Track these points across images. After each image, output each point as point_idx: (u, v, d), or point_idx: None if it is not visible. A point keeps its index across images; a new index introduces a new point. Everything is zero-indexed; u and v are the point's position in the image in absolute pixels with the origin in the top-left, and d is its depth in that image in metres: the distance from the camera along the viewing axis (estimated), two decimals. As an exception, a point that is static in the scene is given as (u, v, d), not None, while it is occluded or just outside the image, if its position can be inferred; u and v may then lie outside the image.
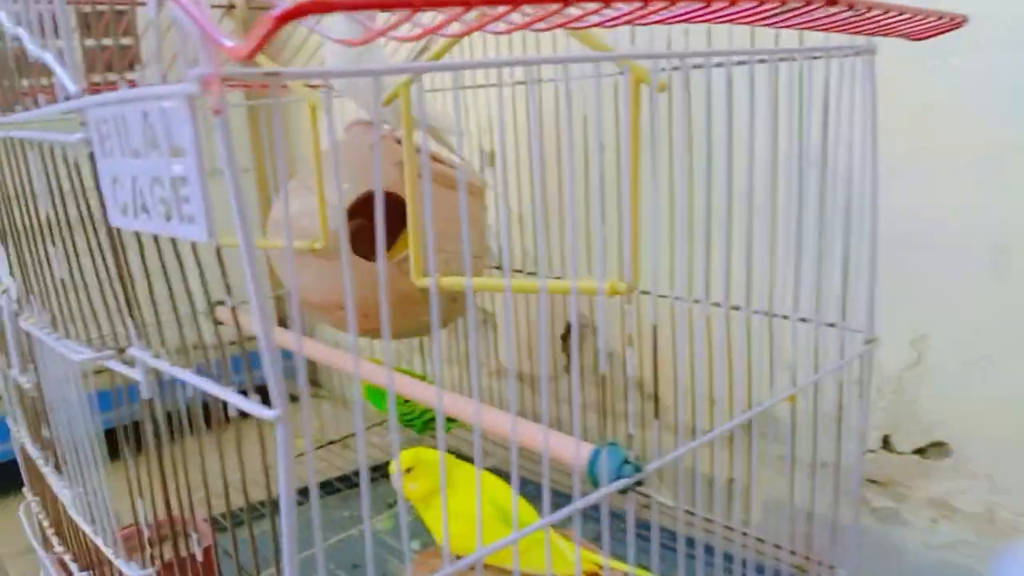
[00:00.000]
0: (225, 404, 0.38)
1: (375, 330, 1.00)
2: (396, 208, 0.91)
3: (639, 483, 0.50)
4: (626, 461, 0.50)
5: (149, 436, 0.47)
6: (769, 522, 0.75)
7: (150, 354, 0.44)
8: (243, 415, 0.40)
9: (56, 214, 0.53)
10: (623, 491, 0.50)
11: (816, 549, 0.75)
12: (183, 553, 0.55)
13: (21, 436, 0.81)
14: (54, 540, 0.77)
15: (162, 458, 0.47)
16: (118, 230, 0.43)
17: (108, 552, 0.57)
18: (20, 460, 0.87)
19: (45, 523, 0.80)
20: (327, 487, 1.14)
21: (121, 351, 0.51)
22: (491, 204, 1.09)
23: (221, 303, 0.82)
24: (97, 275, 0.48)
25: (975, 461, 0.83)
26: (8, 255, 0.66)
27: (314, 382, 1.83)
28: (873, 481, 0.90)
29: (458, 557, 0.79)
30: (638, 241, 0.52)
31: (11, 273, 0.65)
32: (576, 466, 0.49)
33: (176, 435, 0.48)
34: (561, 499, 0.48)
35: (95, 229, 0.46)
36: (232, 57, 0.33)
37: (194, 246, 0.38)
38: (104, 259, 0.46)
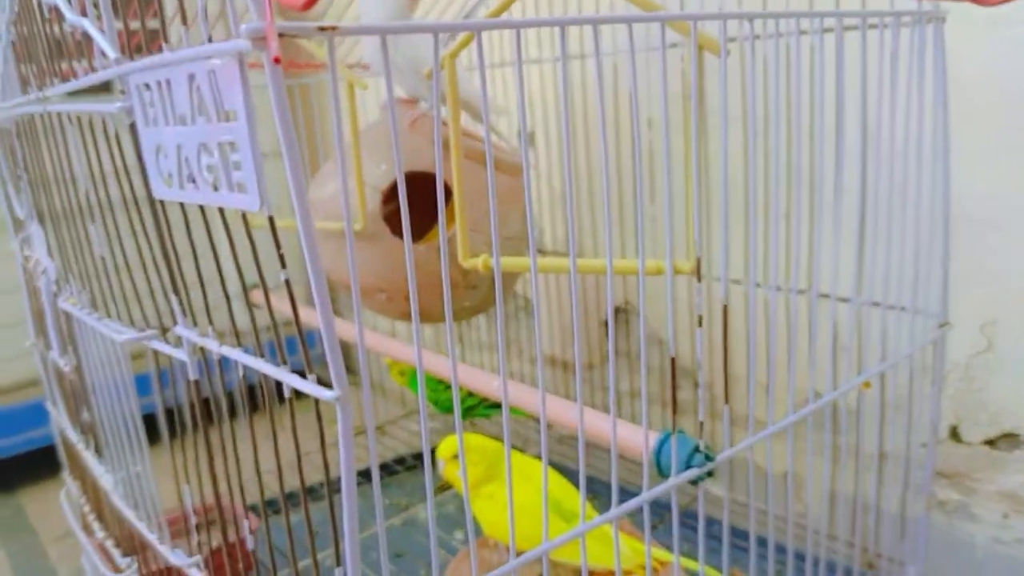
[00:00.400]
0: (279, 386, 0.35)
1: (407, 312, 0.98)
2: (431, 189, 0.89)
3: (710, 473, 0.47)
4: (696, 450, 0.47)
5: (196, 419, 0.45)
6: (831, 516, 0.71)
7: (196, 333, 0.42)
8: (279, 400, 0.38)
9: (96, 193, 0.51)
10: (694, 482, 0.47)
11: (884, 545, 0.72)
12: (231, 539, 0.53)
13: (60, 420, 0.79)
14: (95, 525, 0.76)
15: (209, 442, 0.45)
16: (162, 204, 0.40)
17: (152, 538, 0.55)
18: (59, 444, 0.85)
19: (86, 508, 0.79)
20: (367, 475, 1.12)
21: (165, 331, 0.49)
22: (533, 185, 1.06)
23: (256, 286, 0.80)
24: (140, 253, 0.46)
25: (1049, 453, 0.78)
26: (47, 236, 0.64)
27: (347, 368, 1.82)
28: (940, 473, 0.86)
29: (493, 544, 0.77)
30: (702, 219, 0.49)
31: (49, 254, 0.63)
32: (644, 455, 0.46)
33: (219, 419, 0.46)
34: (621, 492, 0.46)
35: (137, 205, 0.44)
36: (289, 9, 0.30)
37: (244, 217, 0.35)
38: (147, 236, 0.44)
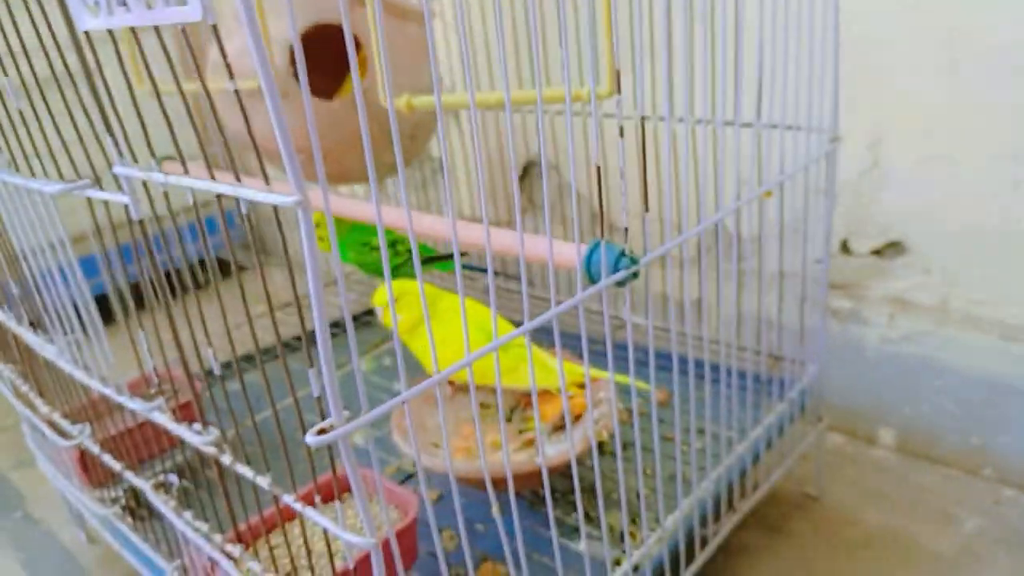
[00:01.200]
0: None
1: (337, 174, 0.98)
2: (340, 42, 0.87)
3: (635, 275, 0.51)
4: (623, 254, 0.51)
5: (147, 267, 0.46)
6: (738, 331, 0.78)
7: (138, 169, 0.42)
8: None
9: (7, 44, 0.49)
10: (621, 283, 0.51)
11: (786, 350, 0.79)
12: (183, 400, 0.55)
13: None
14: (37, 401, 0.77)
15: (168, 299, 0.46)
16: (87, 35, 0.40)
17: (110, 392, 0.57)
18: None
19: (23, 387, 0.79)
20: (299, 340, 1.14)
21: (98, 180, 0.49)
22: (440, 35, 1.06)
23: (170, 157, 0.79)
24: (63, 98, 0.45)
25: (929, 256, 0.87)
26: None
27: (263, 250, 1.81)
28: (833, 284, 0.94)
29: (450, 382, 0.82)
30: (611, 46, 0.51)
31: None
32: (577, 262, 0.50)
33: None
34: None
35: (56, 43, 0.43)
36: None
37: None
38: (69, 72, 0.43)
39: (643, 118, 0.50)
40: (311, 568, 0.47)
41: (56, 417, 0.73)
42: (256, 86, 0.85)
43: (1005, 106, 0.77)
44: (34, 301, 0.64)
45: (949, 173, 0.82)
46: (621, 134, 0.49)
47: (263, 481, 0.45)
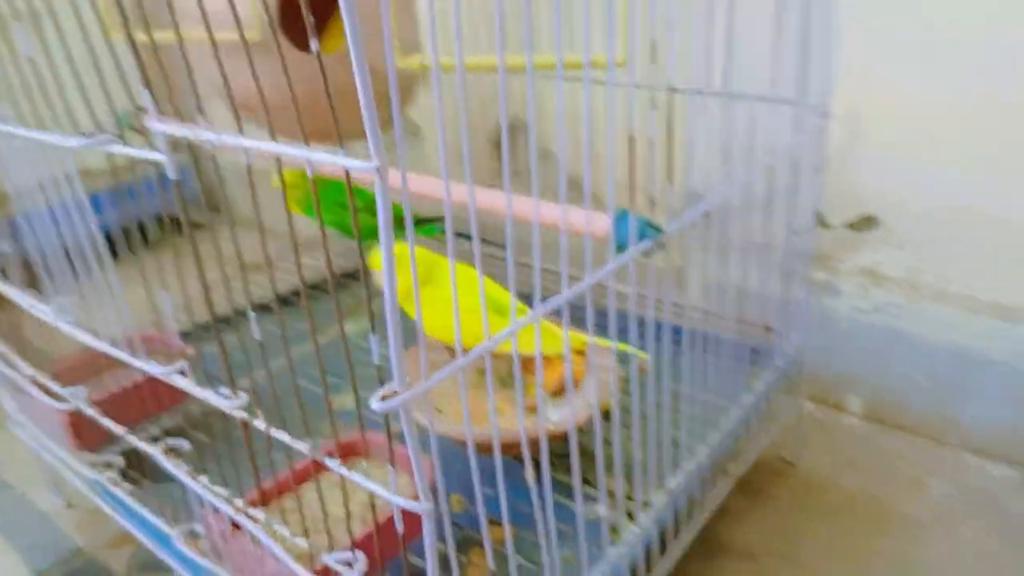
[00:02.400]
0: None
1: (319, 131, 0.95)
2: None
3: (662, 244, 0.52)
4: (649, 224, 0.52)
5: (181, 224, 0.45)
6: (721, 304, 0.80)
7: (179, 125, 0.41)
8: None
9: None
10: (647, 253, 0.52)
11: (772, 319, 0.82)
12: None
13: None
14: (18, 362, 0.74)
15: (197, 252, 0.45)
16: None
17: (122, 354, 0.56)
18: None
19: (4, 348, 0.76)
20: (284, 301, 1.12)
21: (120, 134, 0.47)
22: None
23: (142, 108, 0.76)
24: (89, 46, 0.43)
25: (901, 231, 0.90)
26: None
27: (213, 208, 1.76)
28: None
29: (448, 347, 0.82)
30: (625, 12, 0.51)
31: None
32: (610, 230, 0.51)
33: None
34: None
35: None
36: None
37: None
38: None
39: (672, 89, 0.51)
40: (349, 526, 0.47)
41: (43, 379, 0.71)
42: (235, 39, 0.82)
43: (980, 93, 0.80)
44: (30, 255, 0.62)
45: (925, 151, 0.85)
46: (653, 105, 0.49)
47: (302, 446, 0.45)
